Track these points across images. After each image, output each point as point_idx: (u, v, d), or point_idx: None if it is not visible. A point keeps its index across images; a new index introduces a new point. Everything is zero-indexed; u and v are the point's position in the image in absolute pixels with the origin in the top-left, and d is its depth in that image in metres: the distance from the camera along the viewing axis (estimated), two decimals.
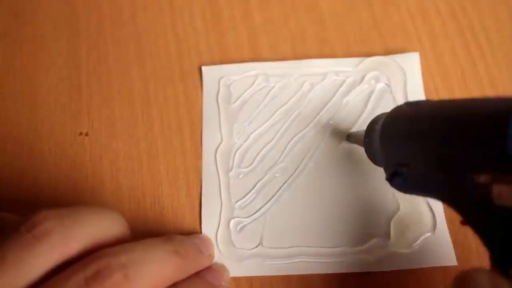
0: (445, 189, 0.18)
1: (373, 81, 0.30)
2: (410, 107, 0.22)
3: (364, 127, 0.29)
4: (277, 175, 0.28)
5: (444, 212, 0.27)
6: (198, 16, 0.33)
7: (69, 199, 0.29)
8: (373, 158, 0.25)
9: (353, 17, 0.33)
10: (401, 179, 0.21)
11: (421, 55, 0.31)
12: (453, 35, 0.32)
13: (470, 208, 0.17)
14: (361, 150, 0.28)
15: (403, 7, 0.33)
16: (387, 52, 0.31)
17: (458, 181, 0.17)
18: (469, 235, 0.26)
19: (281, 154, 0.29)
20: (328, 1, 0.33)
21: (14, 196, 0.29)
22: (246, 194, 0.28)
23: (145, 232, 0.27)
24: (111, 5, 0.34)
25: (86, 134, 0.30)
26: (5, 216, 0.22)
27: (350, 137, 0.28)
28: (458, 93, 0.30)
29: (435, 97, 0.30)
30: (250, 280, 0.26)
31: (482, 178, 0.16)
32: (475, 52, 0.31)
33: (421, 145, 0.20)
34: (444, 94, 0.30)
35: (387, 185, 0.27)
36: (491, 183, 0.16)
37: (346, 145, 0.29)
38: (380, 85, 0.30)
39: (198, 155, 0.29)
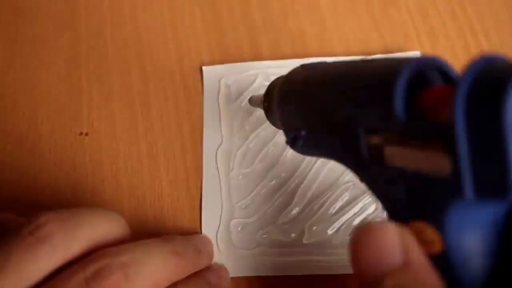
0: (342, 151, 0.18)
1: None
2: (305, 69, 0.21)
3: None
4: (278, 175, 0.28)
5: None
6: (198, 16, 0.33)
7: (69, 199, 0.29)
8: (273, 122, 0.24)
9: (353, 17, 0.33)
10: (300, 143, 0.21)
11: (421, 55, 0.31)
12: (453, 35, 0.32)
13: (364, 169, 0.17)
14: None
15: (403, 7, 0.33)
16: (387, 52, 0.31)
17: (352, 143, 0.17)
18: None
19: (282, 155, 0.29)
20: (328, 1, 0.33)
21: (14, 196, 0.29)
22: (247, 195, 0.28)
23: (145, 232, 0.27)
24: (111, 5, 0.34)
25: (86, 134, 0.30)
26: (8, 217, 0.22)
27: (251, 101, 0.28)
28: None
29: None
30: (250, 280, 0.26)
31: (374, 140, 0.16)
32: (475, 52, 0.31)
33: (314, 108, 0.19)
34: None
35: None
36: (383, 145, 0.16)
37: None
38: None
39: (198, 155, 0.29)
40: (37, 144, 0.30)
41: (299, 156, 0.28)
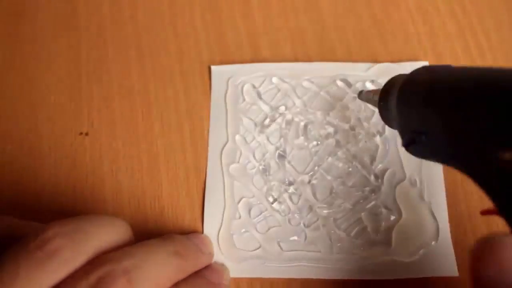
0: (466, 161, 0.17)
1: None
2: (430, 72, 0.21)
3: (373, 132, 0.29)
4: (283, 177, 0.28)
5: (449, 221, 0.27)
6: (198, 16, 0.33)
7: (69, 199, 0.29)
8: (388, 121, 0.23)
9: (353, 17, 0.33)
10: (418, 147, 0.20)
11: (421, 55, 0.31)
12: (453, 35, 0.32)
13: (493, 183, 0.16)
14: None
15: (403, 7, 0.33)
16: (387, 51, 0.31)
17: (481, 156, 0.16)
18: (471, 245, 0.26)
19: (287, 157, 0.29)
20: (328, 1, 0.33)
21: (14, 196, 0.29)
22: (251, 196, 0.28)
23: (145, 232, 0.27)
24: (111, 5, 0.34)
25: (86, 134, 0.30)
26: (10, 223, 0.22)
27: (361, 95, 0.27)
28: None
29: None
30: (250, 281, 0.26)
31: (508, 155, 0.15)
32: (475, 52, 0.31)
33: (441, 115, 0.18)
34: None
35: (389, 192, 0.27)
36: None
37: (350, 149, 0.29)
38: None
39: (198, 155, 0.29)
40: (37, 144, 0.30)
41: (305, 158, 0.28)
